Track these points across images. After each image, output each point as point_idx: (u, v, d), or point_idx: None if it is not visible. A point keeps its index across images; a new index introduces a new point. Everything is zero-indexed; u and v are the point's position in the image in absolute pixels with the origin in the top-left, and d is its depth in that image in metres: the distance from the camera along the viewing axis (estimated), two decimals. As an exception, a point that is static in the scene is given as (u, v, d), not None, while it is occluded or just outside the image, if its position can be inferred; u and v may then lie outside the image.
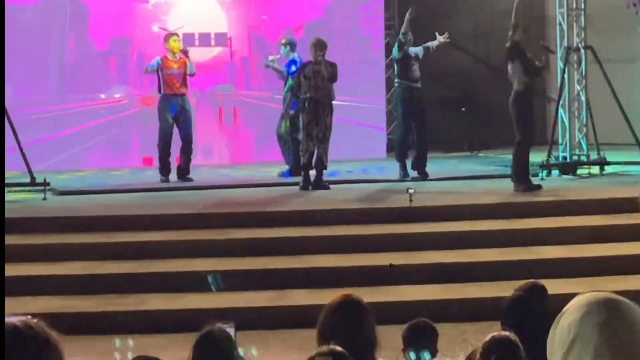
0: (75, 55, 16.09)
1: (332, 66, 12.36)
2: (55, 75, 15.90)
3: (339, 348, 3.83)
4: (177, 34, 13.89)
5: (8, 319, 2.06)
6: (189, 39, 15.99)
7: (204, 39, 16.57)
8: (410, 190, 10.34)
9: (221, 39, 16.69)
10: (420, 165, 13.14)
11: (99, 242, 9.65)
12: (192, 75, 13.52)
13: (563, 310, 2.13)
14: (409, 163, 13.19)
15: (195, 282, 8.80)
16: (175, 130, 13.48)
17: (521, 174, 11.53)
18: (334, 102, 12.48)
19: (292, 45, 13.83)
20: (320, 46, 12.36)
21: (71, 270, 9.08)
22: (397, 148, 13.41)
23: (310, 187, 12.28)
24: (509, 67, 11.57)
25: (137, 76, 15.94)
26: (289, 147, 13.73)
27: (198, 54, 15.59)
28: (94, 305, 8.47)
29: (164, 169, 13.41)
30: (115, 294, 8.71)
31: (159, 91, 13.43)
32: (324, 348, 3.85)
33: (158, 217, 10.32)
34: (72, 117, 15.75)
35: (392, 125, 16.27)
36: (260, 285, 8.81)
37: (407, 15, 12.94)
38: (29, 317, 2.09)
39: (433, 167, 13.40)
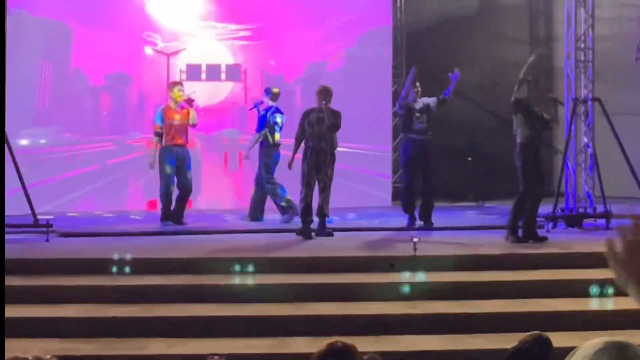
0: (75, 92, 15.93)
1: (335, 114, 12.27)
2: (57, 113, 15.79)
3: None
4: (181, 84, 13.87)
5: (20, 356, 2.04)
6: (195, 70, 15.91)
7: (213, 72, 16.33)
8: (415, 239, 10.27)
9: (234, 72, 16.50)
10: (425, 215, 13.13)
11: (99, 285, 9.60)
12: (193, 126, 13.53)
13: (576, 349, 2.09)
14: (417, 212, 13.22)
15: (196, 327, 8.75)
16: None
17: (515, 225, 11.64)
18: (337, 150, 12.41)
19: (271, 95, 13.83)
20: (324, 94, 12.30)
21: (71, 313, 9.01)
22: (401, 198, 13.49)
23: (312, 234, 12.18)
24: (514, 120, 11.68)
25: (140, 119, 15.91)
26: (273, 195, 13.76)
27: (206, 95, 15.53)
28: (94, 349, 8.39)
29: (166, 219, 13.42)
30: (116, 338, 8.64)
31: (160, 141, 13.42)
32: None
33: (160, 261, 10.28)
34: (74, 160, 15.67)
35: (397, 173, 16.24)
36: (260, 332, 8.73)
37: (410, 75, 12.99)
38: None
39: (438, 216, 13.37)
